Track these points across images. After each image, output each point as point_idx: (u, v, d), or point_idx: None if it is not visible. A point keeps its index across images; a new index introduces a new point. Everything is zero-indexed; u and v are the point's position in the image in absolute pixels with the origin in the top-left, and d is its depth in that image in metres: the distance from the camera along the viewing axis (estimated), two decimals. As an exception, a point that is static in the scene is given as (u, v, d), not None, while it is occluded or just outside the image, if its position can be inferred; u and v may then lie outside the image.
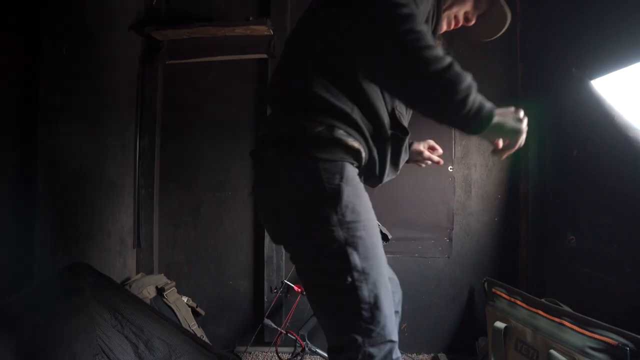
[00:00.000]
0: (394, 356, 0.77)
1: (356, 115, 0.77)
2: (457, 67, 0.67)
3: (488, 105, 0.71)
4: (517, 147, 0.79)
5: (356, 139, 0.77)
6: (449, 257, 1.81)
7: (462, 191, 1.83)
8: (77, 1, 1.49)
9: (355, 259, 0.73)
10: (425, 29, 0.67)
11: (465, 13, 0.97)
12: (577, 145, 1.48)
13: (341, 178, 0.74)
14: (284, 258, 1.85)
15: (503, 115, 0.75)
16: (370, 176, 0.88)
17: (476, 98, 0.69)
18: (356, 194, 0.77)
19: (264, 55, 1.88)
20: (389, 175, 0.90)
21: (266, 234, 1.84)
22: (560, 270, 1.57)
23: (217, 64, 1.93)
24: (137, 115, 1.93)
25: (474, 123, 0.70)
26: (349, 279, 0.73)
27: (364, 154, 0.79)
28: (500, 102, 1.97)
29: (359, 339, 0.74)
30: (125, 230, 1.86)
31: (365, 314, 0.73)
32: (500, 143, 0.80)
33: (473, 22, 1.00)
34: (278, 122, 0.82)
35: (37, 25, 1.32)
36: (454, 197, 1.82)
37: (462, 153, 1.83)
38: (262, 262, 1.85)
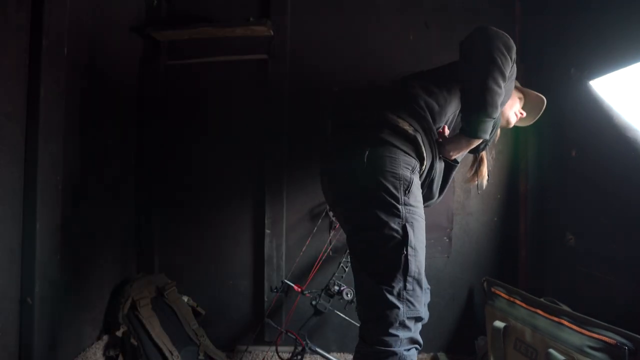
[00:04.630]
0: (419, 333, 0.94)
1: (433, 134, 1.05)
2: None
3: (485, 136, 1.01)
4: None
5: (425, 149, 1.00)
6: (448, 257, 1.82)
7: (461, 191, 1.83)
8: (78, 2, 1.50)
9: (411, 235, 0.91)
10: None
11: (520, 110, 1.38)
12: (575, 146, 1.49)
13: (412, 171, 0.97)
14: (284, 258, 1.85)
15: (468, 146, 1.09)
16: (426, 191, 1.09)
17: (491, 123, 0.99)
18: (418, 187, 1.00)
19: (264, 56, 1.89)
20: (437, 197, 1.16)
21: (266, 233, 1.85)
22: (559, 269, 1.58)
23: (218, 64, 1.94)
24: (138, 116, 1.93)
25: (477, 124, 0.98)
26: (404, 251, 0.90)
27: (426, 164, 1.01)
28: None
29: (401, 307, 0.88)
30: (126, 230, 1.87)
31: (409, 285, 0.89)
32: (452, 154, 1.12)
33: (524, 114, 1.40)
34: (373, 112, 1.05)
35: (39, 25, 1.33)
36: (454, 197, 1.83)
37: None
38: (262, 261, 1.86)
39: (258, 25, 1.79)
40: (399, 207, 0.91)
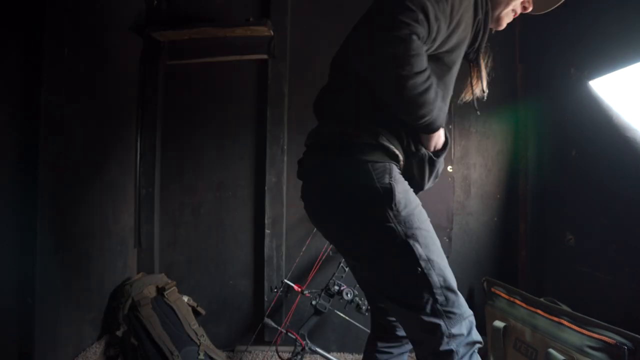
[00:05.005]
0: (475, 329, 0.83)
1: (398, 127, 0.84)
2: (430, 93, 0.75)
3: (437, 126, 0.82)
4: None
5: (396, 147, 0.84)
6: (448, 257, 1.80)
7: (461, 191, 1.84)
8: (78, 2, 1.50)
9: (419, 249, 0.79)
10: (421, 50, 0.73)
11: (522, 3, 1.02)
12: (576, 146, 1.49)
13: (390, 177, 0.81)
14: (284, 258, 1.85)
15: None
16: (412, 183, 0.93)
17: (437, 119, 0.80)
18: (405, 189, 0.84)
19: (264, 56, 1.89)
20: (428, 183, 0.98)
21: (266, 233, 1.85)
22: (559, 269, 1.58)
23: (218, 64, 1.94)
24: (138, 116, 1.94)
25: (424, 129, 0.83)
26: (419, 269, 0.78)
27: (401, 160, 0.85)
28: (501, 102, 1.96)
29: (442, 323, 0.78)
30: (126, 230, 1.87)
31: (440, 298, 0.79)
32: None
33: (530, 7, 1.06)
34: (327, 132, 0.90)
35: (39, 26, 1.33)
36: (454, 197, 1.83)
37: (462, 153, 1.84)
38: (262, 261, 1.86)
39: (258, 25, 1.79)
40: (391, 225, 0.79)
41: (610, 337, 1.03)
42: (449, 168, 1.83)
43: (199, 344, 1.70)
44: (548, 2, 1.09)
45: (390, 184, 0.80)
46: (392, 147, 0.83)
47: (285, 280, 1.69)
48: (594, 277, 1.35)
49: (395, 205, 0.79)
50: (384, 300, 0.88)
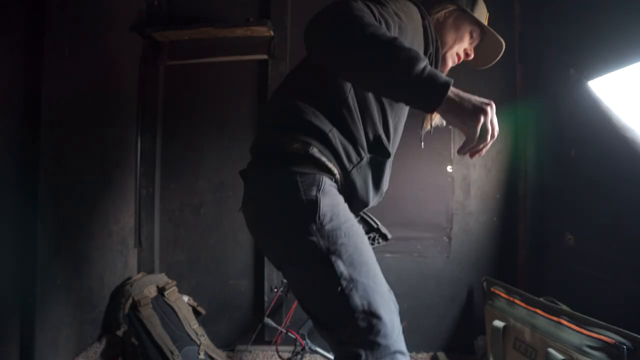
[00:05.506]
0: None
1: (333, 136, 0.80)
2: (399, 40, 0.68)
3: (442, 76, 0.67)
4: (486, 139, 0.72)
5: (329, 159, 0.80)
6: (448, 257, 1.82)
7: (461, 191, 1.84)
8: (78, 2, 1.50)
9: (341, 266, 0.73)
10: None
11: (465, 49, 1.07)
12: (575, 146, 1.49)
13: (318, 189, 0.77)
14: (284, 258, 1.86)
15: (462, 94, 0.69)
16: (353, 200, 0.87)
17: (426, 66, 0.66)
18: (333, 203, 0.78)
19: (264, 56, 1.89)
20: (373, 199, 0.92)
21: (266, 233, 1.85)
22: (558, 269, 1.58)
23: (218, 64, 1.94)
24: (138, 116, 1.94)
25: (427, 91, 0.66)
26: (339, 288, 0.71)
27: (337, 174, 0.81)
28: (500, 102, 1.96)
29: (362, 353, 0.69)
30: (127, 230, 1.87)
31: (362, 323, 0.70)
32: (468, 133, 0.72)
33: (472, 55, 1.10)
34: (263, 138, 0.91)
35: (39, 26, 1.33)
36: (453, 196, 1.83)
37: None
38: (262, 261, 1.86)
39: (258, 25, 1.80)
40: (313, 239, 0.73)
41: (610, 337, 1.03)
42: (449, 168, 1.83)
43: (199, 343, 1.70)
44: (486, 59, 1.15)
45: (316, 196, 0.75)
46: (323, 158, 0.79)
47: (285, 280, 1.69)
48: (594, 277, 1.35)
49: (319, 218, 0.74)
50: (310, 317, 0.83)
